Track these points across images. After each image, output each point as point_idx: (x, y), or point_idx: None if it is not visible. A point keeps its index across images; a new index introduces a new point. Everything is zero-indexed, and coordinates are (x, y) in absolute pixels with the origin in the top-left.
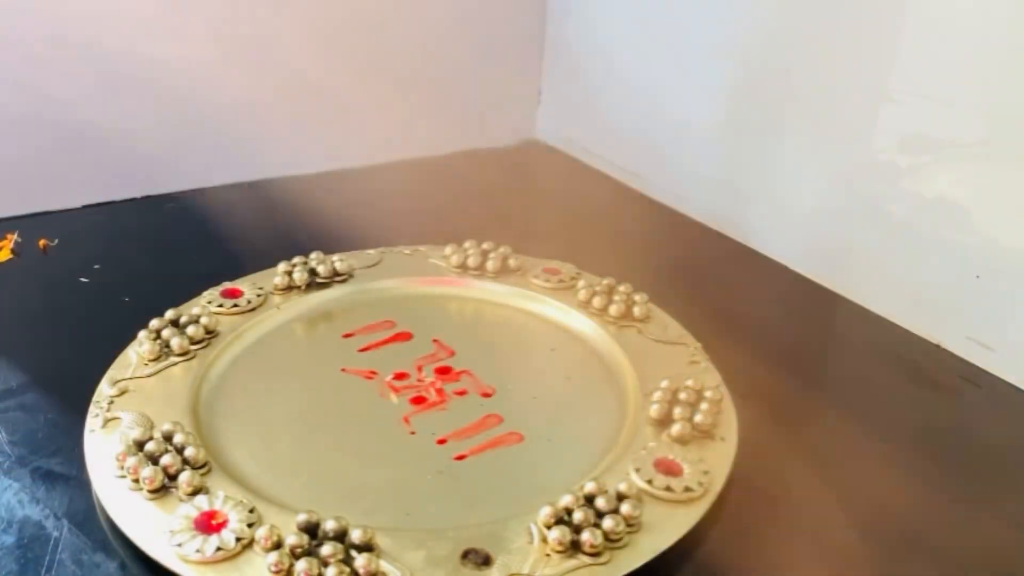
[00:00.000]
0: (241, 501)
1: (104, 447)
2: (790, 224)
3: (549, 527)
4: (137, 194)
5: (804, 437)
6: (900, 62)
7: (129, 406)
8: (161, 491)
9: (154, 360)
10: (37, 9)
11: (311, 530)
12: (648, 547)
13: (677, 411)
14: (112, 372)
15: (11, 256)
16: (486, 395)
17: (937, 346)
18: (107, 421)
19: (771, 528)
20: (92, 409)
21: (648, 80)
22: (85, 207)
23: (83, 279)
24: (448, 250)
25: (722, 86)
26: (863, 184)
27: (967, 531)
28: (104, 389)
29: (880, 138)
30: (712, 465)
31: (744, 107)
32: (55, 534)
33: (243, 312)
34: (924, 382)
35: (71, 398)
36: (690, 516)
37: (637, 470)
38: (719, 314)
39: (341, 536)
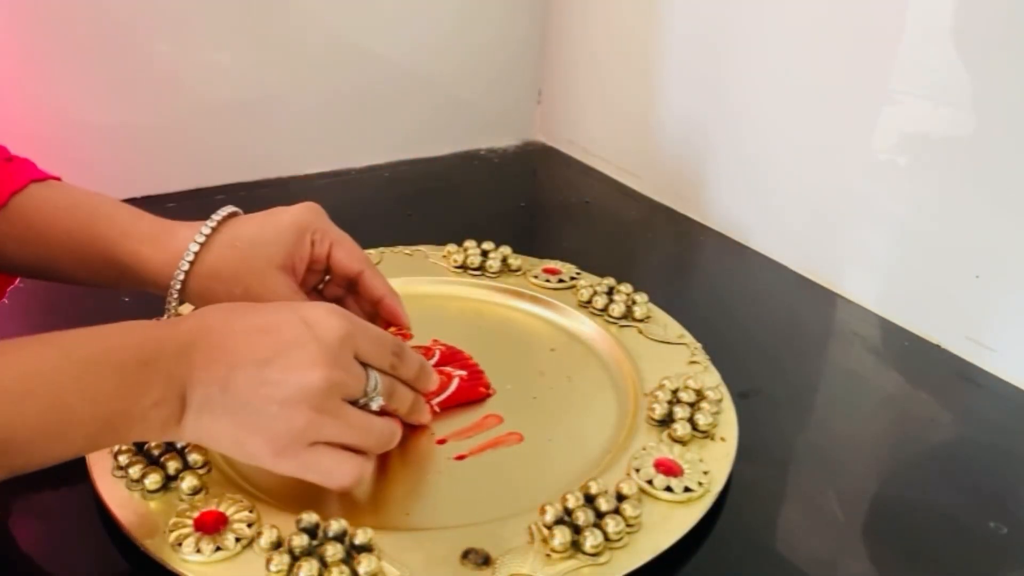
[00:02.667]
0: (241, 501)
1: None
2: (789, 224)
3: (549, 527)
4: (138, 194)
5: (803, 437)
6: (900, 63)
7: None
8: (162, 491)
9: None
10: (40, 7)
11: (312, 531)
12: (648, 547)
13: (677, 411)
14: None
15: None
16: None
17: (937, 346)
18: None
19: (770, 528)
20: None
21: (647, 81)
22: None
23: None
24: (448, 250)
25: (721, 86)
26: (863, 184)
27: (968, 529)
28: None
29: (880, 138)
30: (712, 465)
31: (744, 107)
32: (55, 533)
33: None
34: (924, 382)
35: None
36: (690, 516)
37: (637, 470)
38: (718, 314)
39: (342, 537)
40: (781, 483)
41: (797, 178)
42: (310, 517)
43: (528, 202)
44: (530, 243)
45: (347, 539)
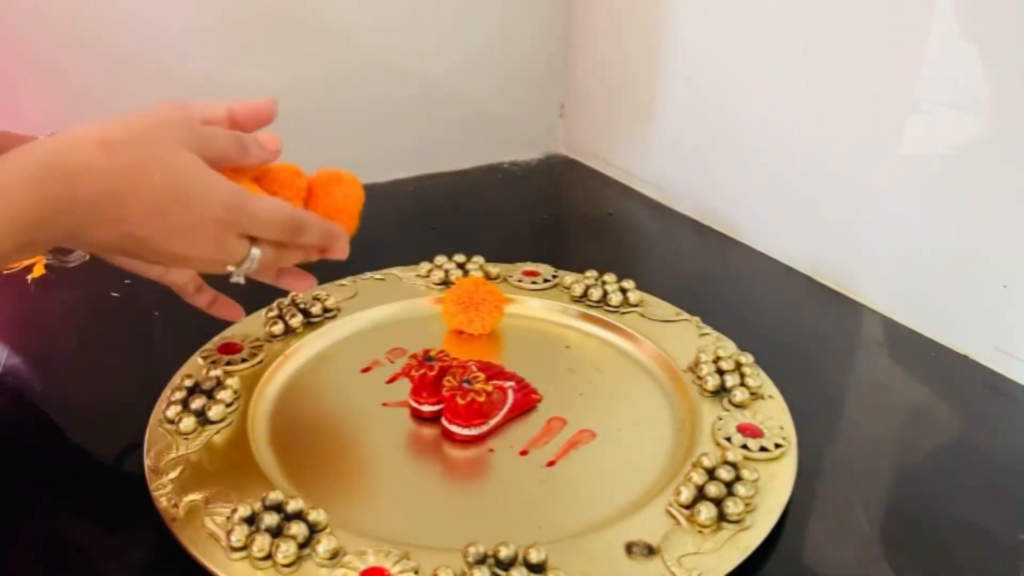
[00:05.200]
0: (391, 552)
1: (197, 531)
2: (814, 235)
3: (687, 506)
4: None
5: (829, 448)
6: (925, 72)
7: (199, 486)
8: (296, 563)
9: (190, 433)
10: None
11: (483, 560)
12: (774, 504)
13: (728, 379)
14: (156, 452)
15: (44, 271)
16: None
17: (964, 356)
18: (188, 506)
19: (796, 539)
20: (161, 499)
21: (668, 95)
22: None
23: (114, 294)
24: (422, 269)
25: (744, 96)
26: (889, 194)
27: (997, 541)
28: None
29: (905, 148)
30: (781, 421)
31: (767, 119)
32: None
33: (253, 366)
34: (951, 393)
35: (104, 408)
36: (789, 469)
37: (728, 439)
38: (744, 324)
39: (512, 561)
40: (807, 494)
41: (822, 189)
42: (479, 549)
43: (551, 215)
44: (553, 255)
45: (518, 562)
